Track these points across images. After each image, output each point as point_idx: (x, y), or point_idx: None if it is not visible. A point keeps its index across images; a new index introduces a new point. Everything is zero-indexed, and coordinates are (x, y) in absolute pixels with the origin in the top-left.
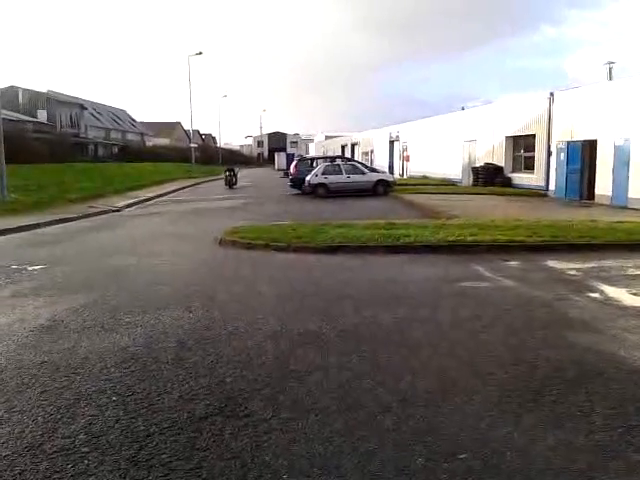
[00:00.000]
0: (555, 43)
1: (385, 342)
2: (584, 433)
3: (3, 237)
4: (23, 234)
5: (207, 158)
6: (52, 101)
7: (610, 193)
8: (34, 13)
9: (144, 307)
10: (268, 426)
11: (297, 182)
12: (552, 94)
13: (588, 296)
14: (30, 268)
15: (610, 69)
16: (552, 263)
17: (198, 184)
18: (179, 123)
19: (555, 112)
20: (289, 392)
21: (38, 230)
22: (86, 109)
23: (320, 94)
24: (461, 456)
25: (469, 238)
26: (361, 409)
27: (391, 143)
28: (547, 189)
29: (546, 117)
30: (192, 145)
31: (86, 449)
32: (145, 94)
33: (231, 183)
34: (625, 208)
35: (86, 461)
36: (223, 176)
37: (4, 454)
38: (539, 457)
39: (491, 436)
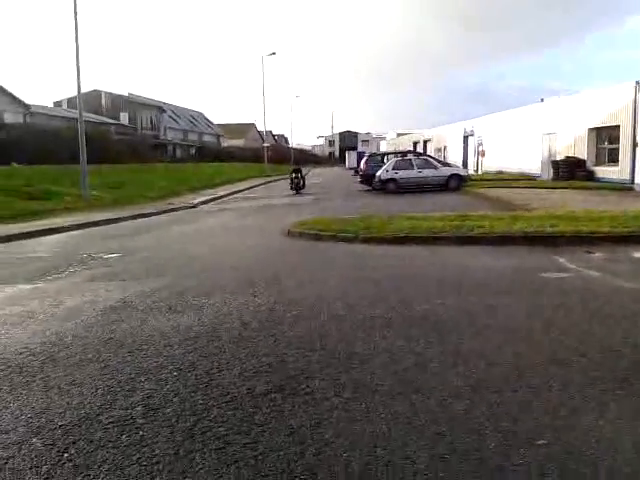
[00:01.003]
0: None
1: (455, 328)
2: None
3: (82, 230)
4: (101, 228)
5: (279, 158)
6: (133, 104)
7: None
8: (116, 18)
9: (211, 291)
10: (329, 405)
11: (367, 178)
12: (638, 82)
13: None
14: (105, 257)
15: None
16: None
17: (270, 182)
18: (253, 124)
19: None
20: (352, 373)
21: (116, 224)
22: (165, 112)
23: (393, 92)
24: (540, 442)
25: (549, 229)
26: (429, 393)
27: (465, 138)
28: (633, 182)
29: (632, 107)
30: (265, 145)
31: (142, 421)
32: (221, 96)
33: (298, 187)
34: None
35: (141, 432)
36: (288, 178)
37: (60, 424)
38: (628, 446)
39: (575, 424)
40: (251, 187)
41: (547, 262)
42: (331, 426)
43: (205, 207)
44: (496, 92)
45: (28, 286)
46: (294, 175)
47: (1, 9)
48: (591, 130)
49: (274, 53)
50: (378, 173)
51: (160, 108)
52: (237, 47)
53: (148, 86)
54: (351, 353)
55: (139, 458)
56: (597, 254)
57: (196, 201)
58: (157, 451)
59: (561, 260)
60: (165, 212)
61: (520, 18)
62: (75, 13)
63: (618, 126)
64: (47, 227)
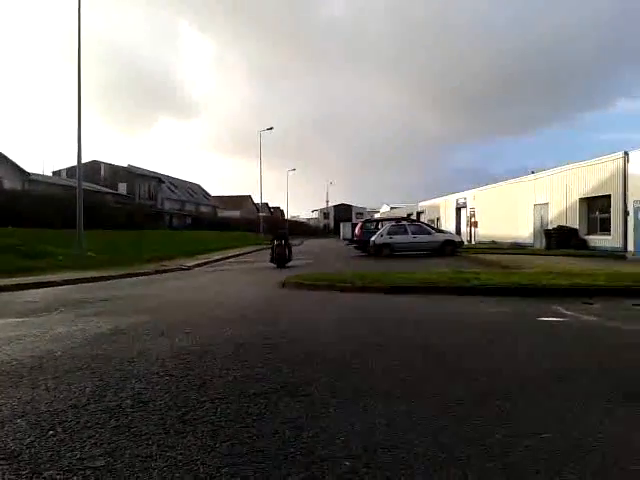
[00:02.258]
0: (631, 117)
1: (457, 352)
2: None
3: (74, 285)
4: (94, 284)
5: (275, 229)
6: (132, 175)
7: None
8: (115, 92)
9: (205, 324)
10: (325, 402)
11: (362, 244)
12: (626, 153)
13: None
14: (96, 302)
15: None
16: (637, 304)
17: (264, 249)
18: (249, 196)
19: (630, 171)
20: (348, 380)
21: (108, 281)
22: (163, 182)
23: (387, 169)
24: (544, 435)
25: (544, 282)
26: (430, 397)
27: (458, 210)
28: (625, 250)
29: (621, 177)
30: (261, 214)
31: (131, 410)
32: (219, 170)
33: (281, 258)
34: None
35: (130, 417)
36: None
37: (46, 410)
38: (633, 443)
39: (580, 423)
40: (246, 253)
41: (545, 309)
42: (327, 418)
43: (200, 269)
44: (486, 171)
45: (19, 319)
46: (276, 242)
47: (4, 79)
48: (582, 200)
49: (271, 128)
50: (373, 238)
51: (159, 179)
52: (235, 122)
53: (148, 159)
54: (348, 368)
55: (127, 435)
56: (594, 304)
57: (191, 264)
58: (146, 430)
59: (560, 308)
60: (158, 272)
61: (509, 102)
62: (79, 83)
63: (609, 195)
64: (40, 281)
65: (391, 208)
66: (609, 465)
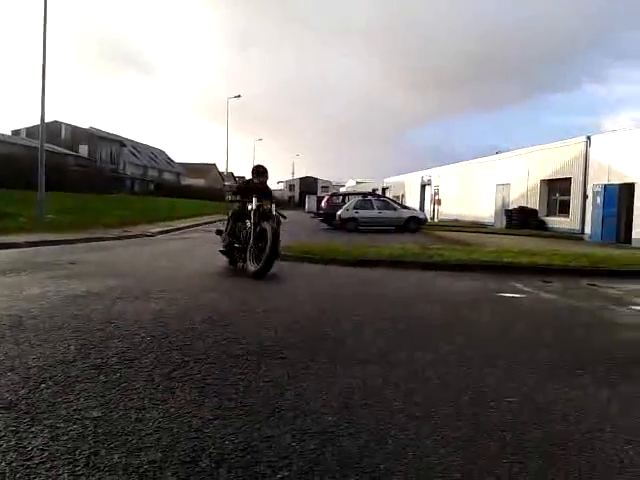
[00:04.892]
0: (596, 101)
1: (424, 324)
2: None
3: (37, 247)
4: (57, 247)
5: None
6: (93, 137)
7: None
8: (80, 52)
9: (178, 289)
10: (305, 366)
11: (328, 217)
12: (589, 138)
13: (631, 308)
14: (64, 264)
15: None
16: (593, 284)
17: None
18: (214, 165)
19: (592, 155)
20: (325, 347)
21: (72, 245)
22: (125, 146)
23: (355, 144)
24: (510, 399)
25: (505, 260)
26: (399, 365)
27: (422, 187)
28: (582, 232)
29: (582, 161)
30: (226, 183)
31: (118, 367)
32: (184, 136)
33: (260, 254)
34: None
35: (118, 374)
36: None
37: (34, 365)
38: (592, 407)
39: (543, 390)
40: (211, 222)
41: (505, 286)
42: (308, 379)
43: (164, 236)
44: (452, 149)
45: None
46: (249, 207)
47: None
48: (543, 182)
49: (239, 96)
50: (339, 212)
51: (121, 143)
52: (204, 89)
53: (111, 122)
54: (324, 334)
55: (118, 390)
56: (552, 282)
57: (154, 230)
58: (136, 385)
59: (518, 285)
60: (122, 238)
61: (479, 82)
62: (44, 39)
63: (570, 178)
64: (2, 242)
65: (357, 183)
66: (566, 425)
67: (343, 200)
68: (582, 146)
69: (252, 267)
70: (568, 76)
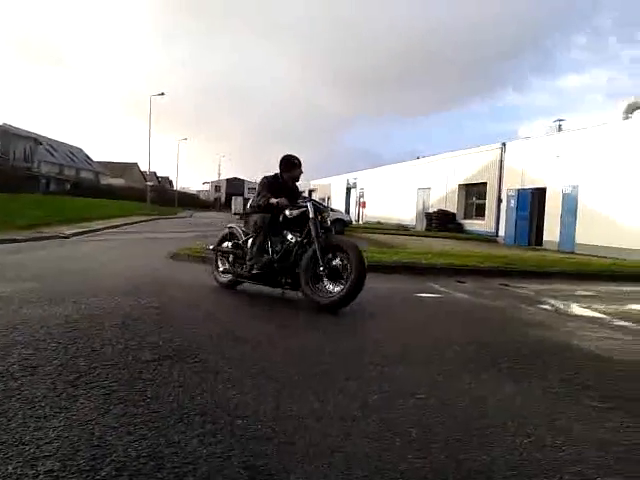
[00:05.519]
0: (515, 109)
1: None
2: (541, 387)
3: None
4: None
5: (163, 200)
6: (7, 134)
7: (557, 239)
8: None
9: (91, 293)
10: (218, 369)
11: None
12: (504, 144)
13: (540, 307)
14: None
15: (560, 125)
16: (505, 284)
17: (150, 220)
18: (136, 164)
19: (506, 161)
20: (239, 348)
21: None
22: (41, 144)
23: (283, 145)
24: (419, 395)
25: (423, 261)
26: (314, 366)
27: (348, 190)
28: (497, 235)
29: (497, 166)
30: (148, 183)
31: (20, 374)
32: (105, 135)
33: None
34: (572, 253)
35: (19, 381)
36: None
37: None
38: (496, 402)
39: (450, 386)
40: (131, 223)
41: (422, 286)
42: (220, 382)
43: (79, 237)
44: (379, 152)
45: None
46: (312, 217)
47: None
48: (461, 186)
49: (163, 94)
50: None
51: (36, 140)
52: (124, 86)
53: (26, 118)
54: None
55: (19, 398)
56: (467, 282)
57: (69, 232)
58: (38, 393)
59: (435, 286)
60: (35, 239)
61: (405, 87)
62: None
63: (485, 183)
64: None
65: None
66: (470, 420)
67: None
68: (497, 152)
69: (320, 296)
70: (490, 84)
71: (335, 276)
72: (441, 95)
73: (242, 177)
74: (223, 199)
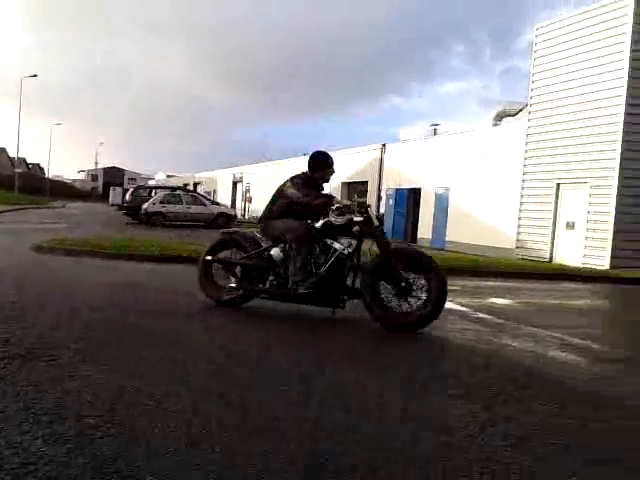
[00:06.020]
0: (397, 112)
1: None
2: (399, 377)
3: None
4: None
5: (33, 189)
6: None
7: (430, 236)
8: None
9: None
10: (74, 367)
11: (133, 211)
12: (384, 145)
13: None
14: None
15: (435, 130)
16: None
17: (20, 209)
18: (4, 149)
19: (386, 162)
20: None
21: None
22: None
23: (167, 136)
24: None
25: None
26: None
27: (234, 184)
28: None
29: (378, 166)
30: (17, 170)
31: None
32: None
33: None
34: (442, 250)
35: None
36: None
37: None
38: (356, 394)
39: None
40: None
41: None
42: (76, 380)
43: None
44: (265, 148)
45: None
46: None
47: None
48: (344, 184)
49: (35, 75)
50: (144, 206)
51: None
52: None
53: None
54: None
55: None
56: None
57: None
58: None
59: None
60: None
61: (292, 85)
62: None
63: (367, 182)
64: None
65: (168, 176)
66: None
67: (150, 194)
68: (378, 152)
69: (394, 315)
70: (376, 87)
71: (404, 292)
72: (330, 95)
73: (122, 167)
74: (101, 189)
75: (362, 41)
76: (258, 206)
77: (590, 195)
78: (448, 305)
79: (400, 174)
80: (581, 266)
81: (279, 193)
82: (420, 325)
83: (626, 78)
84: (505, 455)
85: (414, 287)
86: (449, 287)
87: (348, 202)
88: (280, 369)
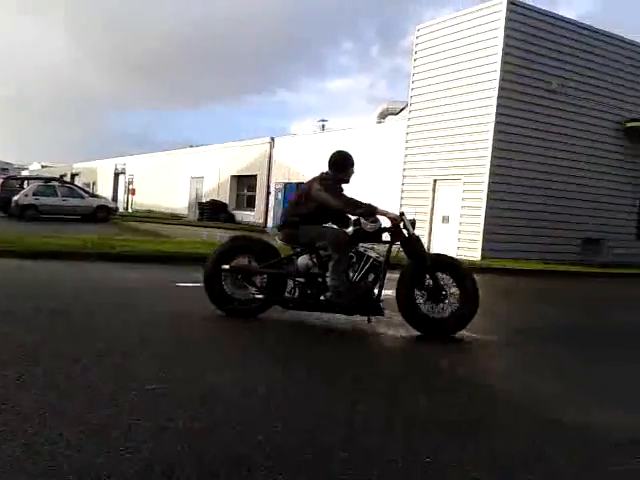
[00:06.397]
0: (287, 106)
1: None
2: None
3: None
4: None
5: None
6: None
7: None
8: None
9: None
10: None
11: (3, 203)
12: (273, 139)
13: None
14: None
15: (323, 125)
16: None
17: None
18: None
19: (275, 156)
20: None
21: None
22: None
23: (43, 124)
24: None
25: (188, 250)
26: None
27: (116, 175)
28: (266, 225)
29: (267, 160)
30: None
31: None
32: None
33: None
34: None
35: None
36: None
37: None
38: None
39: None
40: None
41: (185, 275)
42: None
43: None
44: (151, 139)
45: None
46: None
47: None
48: (233, 177)
49: None
50: (15, 198)
51: None
52: None
53: None
54: None
55: None
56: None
57: None
58: None
59: (198, 274)
60: None
61: (183, 75)
62: None
63: (256, 175)
64: None
65: (43, 167)
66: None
67: (22, 185)
68: (267, 146)
69: (432, 317)
70: (268, 81)
71: (438, 297)
72: (221, 87)
73: None
74: None
75: (255, 34)
76: (143, 199)
77: (463, 191)
78: None
79: (289, 169)
80: (455, 257)
81: (305, 196)
82: (458, 328)
83: (498, 80)
84: None
85: (448, 291)
86: None
87: (385, 210)
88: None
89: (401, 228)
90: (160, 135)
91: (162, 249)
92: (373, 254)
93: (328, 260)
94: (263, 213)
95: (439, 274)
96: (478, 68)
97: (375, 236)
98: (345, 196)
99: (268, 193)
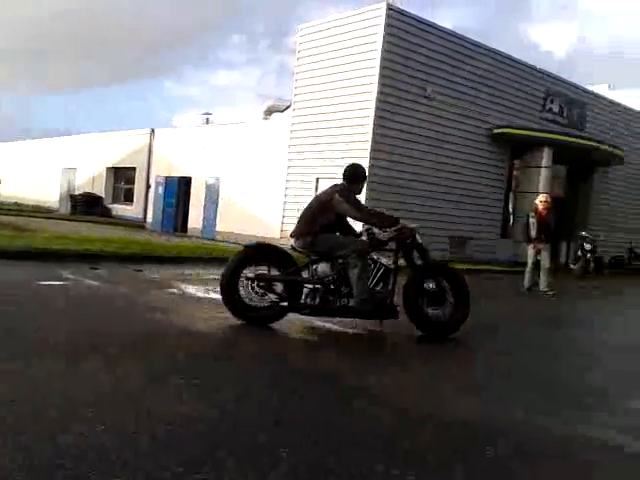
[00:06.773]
0: (171, 97)
1: None
2: (138, 370)
3: None
4: None
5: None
6: None
7: (201, 226)
8: None
9: None
10: None
11: None
12: (153, 130)
13: (168, 291)
14: None
15: (207, 119)
16: (140, 270)
17: None
18: None
19: (155, 148)
20: None
21: None
22: None
23: None
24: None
25: (56, 247)
26: None
27: None
28: (145, 220)
29: (147, 152)
30: None
31: None
32: None
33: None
34: (214, 240)
35: None
36: None
37: None
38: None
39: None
40: None
41: (50, 273)
42: None
43: None
44: (29, 126)
45: None
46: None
47: None
48: (109, 169)
49: None
50: None
51: None
52: None
53: None
54: None
55: None
56: (101, 269)
57: None
58: None
59: (64, 272)
60: None
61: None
62: None
63: (135, 168)
64: None
65: None
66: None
67: None
68: (147, 138)
69: (436, 321)
70: (149, 68)
71: (439, 301)
72: (102, 73)
73: None
74: None
75: (143, 20)
76: (9, 191)
77: None
78: (208, 295)
79: (170, 162)
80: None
81: (324, 206)
82: (456, 329)
83: (377, 84)
84: None
85: (448, 296)
86: (210, 276)
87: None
88: None
89: (416, 238)
90: (37, 122)
91: (22, 244)
92: (384, 261)
93: (345, 268)
94: (142, 208)
95: (440, 279)
96: (358, 71)
97: (385, 244)
98: (366, 208)
99: (148, 187)
